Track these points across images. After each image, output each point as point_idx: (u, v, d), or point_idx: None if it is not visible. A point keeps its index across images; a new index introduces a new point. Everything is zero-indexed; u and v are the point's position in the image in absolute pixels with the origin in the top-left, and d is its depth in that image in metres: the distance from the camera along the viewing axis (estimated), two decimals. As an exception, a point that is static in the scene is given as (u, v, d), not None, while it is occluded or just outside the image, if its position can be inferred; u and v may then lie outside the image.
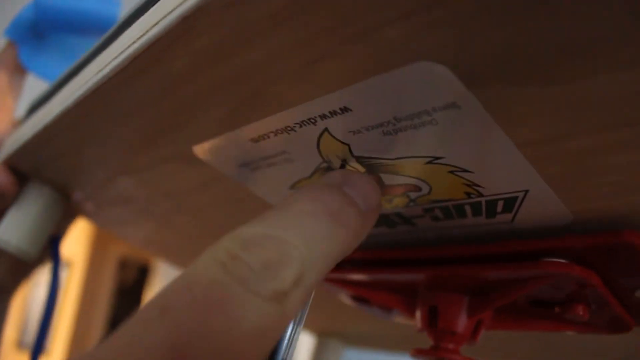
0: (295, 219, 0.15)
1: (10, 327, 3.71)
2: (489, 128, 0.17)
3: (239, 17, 0.16)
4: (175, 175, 0.27)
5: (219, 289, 0.13)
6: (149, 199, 0.30)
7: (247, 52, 0.17)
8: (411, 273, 0.25)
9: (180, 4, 0.17)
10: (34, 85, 0.35)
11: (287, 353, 0.18)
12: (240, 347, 0.13)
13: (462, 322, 0.25)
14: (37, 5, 0.33)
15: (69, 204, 0.34)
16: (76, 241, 3.29)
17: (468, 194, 0.21)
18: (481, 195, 0.20)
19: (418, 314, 0.27)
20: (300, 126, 0.20)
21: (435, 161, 0.19)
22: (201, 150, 0.23)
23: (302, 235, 0.15)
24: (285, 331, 0.18)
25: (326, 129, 0.19)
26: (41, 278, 3.51)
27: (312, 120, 0.19)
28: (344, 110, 0.18)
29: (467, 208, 0.22)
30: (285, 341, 0.18)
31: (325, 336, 0.53)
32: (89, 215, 0.37)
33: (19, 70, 0.35)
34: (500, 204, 0.21)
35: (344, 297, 0.32)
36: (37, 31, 0.33)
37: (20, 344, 3.55)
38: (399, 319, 0.32)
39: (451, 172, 0.19)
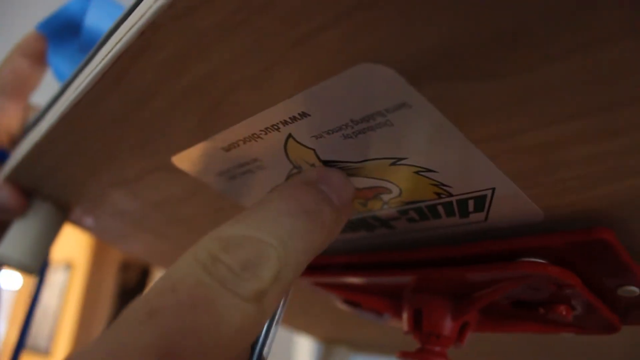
0: (271, 218, 0.16)
1: (13, 329, 3.77)
2: (442, 126, 0.17)
3: (190, 29, 0.16)
4: (161, 186, 0.27)
5: (203, 290, 0.13)
6: (142, 210, 0.31)
7: (203, 62, 0.17)
8: (392, 276, 0.25)
9: (139, 20, 0.17)
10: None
11: (265, 348, 0.18)
12: (224, 344, 0.13)
13: (447, 325, 0.25)
14: (84, 28, 0.33)
15: (69, 218, 0.35)
16: (78, 244, 3.33)
17: (438, 194, 0.21)
18: (451, 195, 0.20)
19: (404, 316, 0.27)
20: (266, 133, 0.20)
21: (399, 162, 0.19)
22: (179, 160, 0.24)
23: (278, 234, 0.15)
24: (263, 327, 0.19)
25: (290, 135, 0.20)
26: (45, 280, 3.58)
27: (275, 127, 0.19)
28: (303, 115, 0.18)
29: (440, 208, 0.22)
30: (262, 337, 0.18)
31: (332, 343, 0.53)
32: (89, 229, 0.38)
33: (41, 64, 0.35)
34: (471, 203, 0.21)
35: (339, 303, 0.32)
36: (69, 34, 0.34)
37: (24, 346, 3.60)
38: (391, 322, 0.32)
39: (416, 172, 0.20)
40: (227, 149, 0.22)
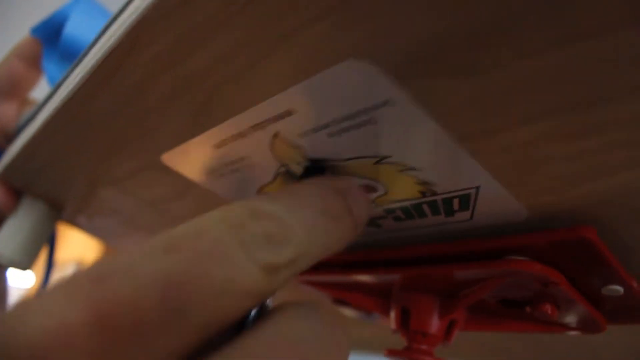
0: (302, 209, 0.17)
1: None
2: (425, 124, 0.17)
3: (178, 26, 0.16)
4: (152, 184, 0.28)
5: (223, 245, 0.14)
6: (134, 209, 0.31)
7: (192, 58, 0.18)
8: (379, 274, 0.25)
9: (129, 17, 0.18)
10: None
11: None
12: (225, 302, 0.13)
13: (434, 323, 0.25)
14: (63, 35, 0.34)
15: (62, 217, 0.36)
16: (88, 243, 3.35)
17: (422, 193, 0.21)
18: (435, 193, 0.21)
19: (391, 315, 0.27)
20: (254, 131, 0.20)
21: (383, 161, 0.19)
22: (169, 158, 0.24)
23: (305, 225, 0.16)
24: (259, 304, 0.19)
25: (276, 133, 0.20)
26: (55, 279, 3.59)
27: (263, 125, 0.20)
28: (288, 113, 0.18)
29: (426, 207, 0.22)
30: (254, 312, 0.18)
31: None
32: (83, 228, 0.38)
33: (37, 67, 0.36)
34: (456, 201, 0.21)
35: (328, 302, 0.32)
36: (59, 39, 0.34)
37: None
38: (380, 322, 0.32)
39: (401, 171, 0.20)
40: (216, 147, 0.22)
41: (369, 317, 0.32)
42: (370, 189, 0.22)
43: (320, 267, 0.28)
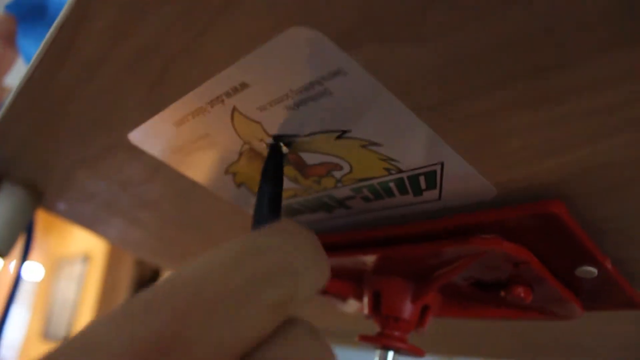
0: (300, 243, 0.16)
1: (35, 319, 3.82)
2: (380, 94, 0.16)
3: (121, -4, 0.16)
4: (122, 165, 0.27)
5: (231, 290, 0.13)
6: (108, 192, 0.31)
7: (140, 29, 0.17)
8: (349, 256, 0.24)
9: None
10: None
11: None
12: (233, 344, 0.13)
13: (406, 308, 0.25)
14: (50, 4, 0.33)
15: (40, 202, 0.35)
16: (95, 237, 3.39)
17: (387, 170, 0.20)
18: (400, 170, 0.20)
19: (364, 299, 0.26)
20: (212, 106, 0.20)
21: (344, 135, 0.19)
22: (134, 137, 0.24)
23: (305, 258, 0.15)
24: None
25: (235, 108, 0.19)
26: (64, 272, 3.62)
27: (220, 99, 0.19)
28: (243, 86, 0.18)
29: (392, 186, 0.21)
30: None
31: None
32: (63, 215, 0.38)
33: (13, 45, 0.35)
34: (422, 179, 0.20)
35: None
36: (36, 16, 0.34)
37: (45, 335, 3.66)
38: (356, 308, 0.31)
39: (363, 146, 0.19)
40: (178, 124, 0.21)
41: (345, 305, 0.31)
42: (334, 166, 0.21)
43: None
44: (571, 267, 0.21)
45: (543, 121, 0.16)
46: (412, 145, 0.18)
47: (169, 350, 0.12)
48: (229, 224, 0.30)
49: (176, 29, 0.17)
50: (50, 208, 0.37)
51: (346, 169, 0.21)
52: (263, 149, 0.21)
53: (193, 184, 0.27)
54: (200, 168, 0.24)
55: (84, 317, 3.19)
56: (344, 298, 0.30)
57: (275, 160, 0.21)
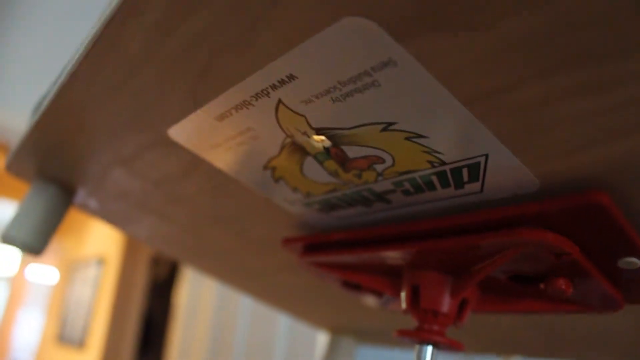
0: None
1: (50, 323, 3.86)
2: (429, 84, 0.16)
3: (172, -12, 0.16)
4: (159, 163, 0.27)
5: None
6: (142, 190, 0.31)
7: (189, 23, 0.17)
8: (388, 250, 0.24)
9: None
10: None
11: None
12: None
13: (445, 301, 0.25)
14: None
15: (72, 200, 0.36)
16: (110, 240, 3.41)
17: (431, 163, 0.20)
18: (444, 163, 0.20)
19: (402, 294, 0.26)
20: (256, 99, 0.20)
21: (389, 127, 0.19)
22: (175, 132, 0.24)
23: None
24: None
25: (280, 101, 0.19)
26: (78, 275, 3.65)
27: (265, 92, 0.19)
28: (291, 78, 0.18)
29: (435, 179, 0.21)
30: None
31: (338, 333, 0.53)
32: (95, 213, 0.39)
33: None
34: (465, 171, 0.20)
35: (339, 286, 0.32)
36: None
37: (60, 338, 3.69)
38: (392, 305, 0.31)
39: (407, 138, 0.19)
40: (220, 118, 0.22)
41: (381, 300, 0.31)
42: (377, 159, 0.21)
43: (327, 246, 0.28)
44: (614, 259, 0.21)
45: (592, 110, 0.16)
46: (458, 137, 0.19)
47: None
48: (263, 219, 0.30)
49: (226, 23, 0.17)
50: (83, 206, 0.38)
51: (388, 162, 0.21)
52: (305, 142, 0.21)
53: (229, 179, 0.27)
54: (239, 163, 0.24)
55: (100, 319, 3.23)
56: (379, 293, 0.30)
57: None
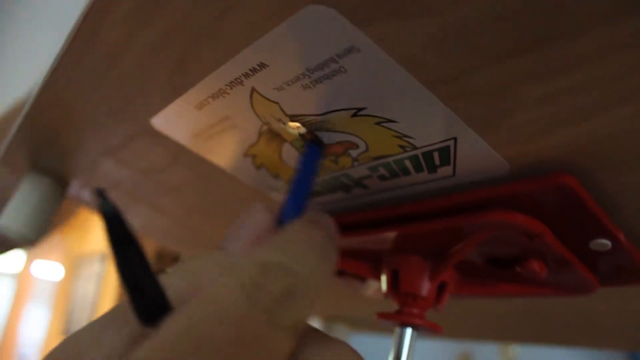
0: (301, 251, 0.17)
1: (55, 318, 3.88)
2: (392, 69, 0.17)
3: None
4: (145, 152, 0.28)
5: (250, 324, 0.14)
6: (132, 179, 0.32)
7: (164, 13, 0.18)
8: (366, 235, 0.25)
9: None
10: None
11: None
12: None
13: (424, 285, 0.25)
14: None
15: (66, 192, 0.36)
16: None
17: (402, 147, 0.21)
18: (415, 147, 0.21)
19: (383, 278, 0.27)
20: (231, 87, 0.20)
21: (359, 113, 0.19)
22: (157, 122, 0.24)
23: (309, 267, 0.16)
24: None
25: (254, 89, 0.20)
26: (83, 271, 3.68)
27: (239, 80, 0.20)
28: (262, 66, 0.19)
29: (408, 163, 0.22)
30: None
31: (330, 321, 0.53)
32: (89, 205, 0.39)
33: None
34: (436, 155, 0.21)
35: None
36: None
37: (66, 333, 3.72)
38: (375, 292, 0.32)
39: (378, 123, 0.20)
40: (199, 107, 0.22)
41: (364, 286, 0.32)
42: (351, 145, 0.22)
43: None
44: (585, 241, 0.22)
45: (551, 93, 0.16)
46: (426, 121, 0.19)
47: None
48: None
49: (196, 12, 0.17)
50: (77, 198, 0.39)
51: (362, 147, 0.22)
52: (281, 129, 0.22)
53: (214, 168, 0.27)
54: (220, 151, 0.25)
55: (105, 314, 3.25)
56: (362, 278, 0.31)
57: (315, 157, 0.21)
